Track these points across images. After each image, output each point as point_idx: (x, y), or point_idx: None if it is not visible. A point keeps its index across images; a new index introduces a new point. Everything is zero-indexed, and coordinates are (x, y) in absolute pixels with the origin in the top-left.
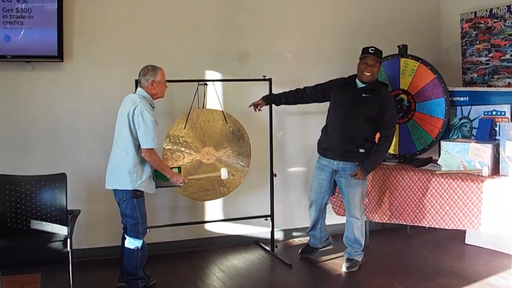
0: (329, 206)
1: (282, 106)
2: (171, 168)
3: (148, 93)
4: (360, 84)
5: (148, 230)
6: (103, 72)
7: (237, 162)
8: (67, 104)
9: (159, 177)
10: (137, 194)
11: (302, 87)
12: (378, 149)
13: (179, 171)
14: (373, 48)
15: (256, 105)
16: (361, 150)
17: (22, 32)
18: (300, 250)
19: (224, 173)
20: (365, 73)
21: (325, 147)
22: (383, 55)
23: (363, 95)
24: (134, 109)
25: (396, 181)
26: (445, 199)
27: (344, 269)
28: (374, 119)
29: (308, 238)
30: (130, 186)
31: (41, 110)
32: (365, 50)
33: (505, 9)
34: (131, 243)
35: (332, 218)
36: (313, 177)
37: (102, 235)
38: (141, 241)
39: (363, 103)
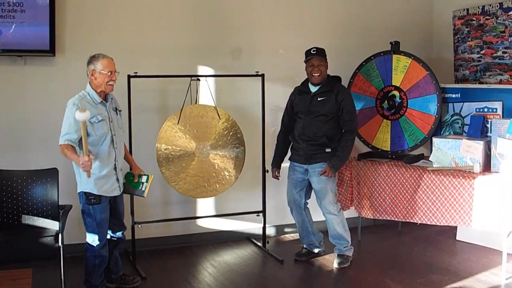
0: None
1: (275, 102)
2: (142, 176)
3: (91, 85)
4: (313, 89)
5: (139, 226)
6: None
7: (233, 155)
8: (59, 98)
9: (129, 183)
10: (91, 201)
11: (280, 130)
12: (343, 144)
13: (147, 180)
14: (315, 49)
15: (275, 176)
16: (328, 150)
17: (13, 26)
18: (296, 253)
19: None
20: (313, 74)
21: (294, 153)
22: (376, 51)
23: (318, 99)
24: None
25: (387, 177)
26: (436, 196)
27: (335, 265)
28: (335, 117)
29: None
30: (79, 188)
31: (32, 104)
32: (307, 53)
33: (497, 6)
34: (88, 240)
35: (321, 216)
36: (288, 180)
37: None
38: (98, 247)
39: (319, 106)
